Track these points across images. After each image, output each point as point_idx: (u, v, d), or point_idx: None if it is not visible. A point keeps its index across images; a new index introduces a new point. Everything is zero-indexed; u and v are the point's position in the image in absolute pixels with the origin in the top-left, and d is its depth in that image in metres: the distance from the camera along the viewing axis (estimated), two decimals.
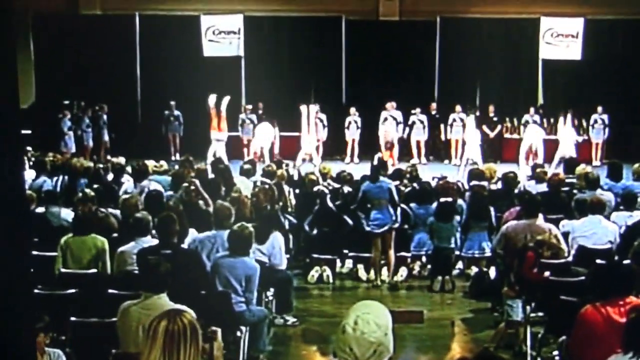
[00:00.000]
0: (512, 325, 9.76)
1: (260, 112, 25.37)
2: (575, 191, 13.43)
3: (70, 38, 26.09)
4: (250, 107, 25.27)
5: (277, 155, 22.58)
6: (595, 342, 6.34)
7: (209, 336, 4.60)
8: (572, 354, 6.87)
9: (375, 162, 13.69)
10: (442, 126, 25.12)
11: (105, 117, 25.15)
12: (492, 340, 9.97)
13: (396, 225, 12.76)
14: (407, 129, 24.95)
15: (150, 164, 15.37)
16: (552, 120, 24.78)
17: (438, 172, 18.74)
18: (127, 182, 14.20)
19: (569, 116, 23.41)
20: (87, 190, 12.09)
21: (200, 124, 24.99)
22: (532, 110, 24.63)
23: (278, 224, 11.39)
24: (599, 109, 24.40)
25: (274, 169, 15.53)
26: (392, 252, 12.88)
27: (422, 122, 24.99)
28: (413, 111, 24.97)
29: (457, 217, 12.83)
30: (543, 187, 13.72)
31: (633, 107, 24.84)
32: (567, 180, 14.42)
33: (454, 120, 24.56)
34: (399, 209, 12.80)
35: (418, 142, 25.17)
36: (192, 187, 12.36)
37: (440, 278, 12.68)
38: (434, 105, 25.41)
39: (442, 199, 13.08)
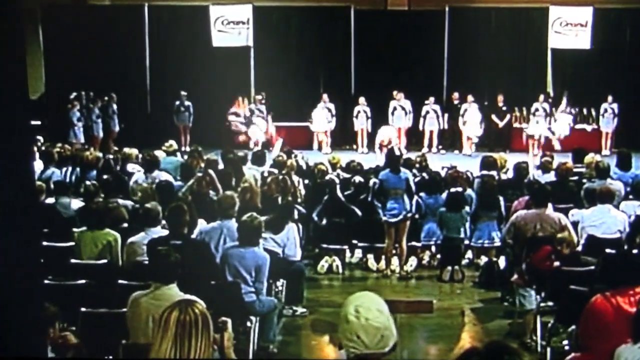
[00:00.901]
0: (526, 314, 9.74)
1: (264, 101, 25.30)
2: (584, 180, 13.40)
3: (79, 29, 26.03)
4: (259, 97, 25.23)
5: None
6: (605, 332, 6.34)
7: (220, 326, 4.61)
8: (581, 344, 6.87)
9: (397, 152, 13.63)
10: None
11: (114, 106, 25.18)
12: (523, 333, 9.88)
13: (410, 214, 12.77)
14: (421, 119, 24.97)
15: (160, 154, 15.42)
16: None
17: (448, 161, 18.74)
18: (138, 172, 14.25)
19: (564, 99, 23.85)
20: (89, 183, 12.16)
21: (209, 114, 25.07)
22: (541, 97, 24.42)
23: (293, 215, 11.41)
24: (609, 98, 24.33)
25: (284, 159, 15.55)
26: (404, 242, 12.86)
27: (435, 111, 24.94)
28: (427, 101, 24.95)
29: (467, 208, 12.81)
30: (550, 177, 13.69)
31: None
32: (576, 170, 14.39)
33: (466, 110, 24.46)
34: (414, 199, 12.80)
35: (431, 132, 25.14)
36: (207, 179, 12.44)
37: (449, 268, 12.68)
38: (456, 94, 25.20)
39: (453, 189, 13.06)
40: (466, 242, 12.95)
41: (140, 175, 13.76)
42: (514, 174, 14.18)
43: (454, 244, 12.76)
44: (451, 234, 12.70)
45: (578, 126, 24.69)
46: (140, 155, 15.92)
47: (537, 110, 23.95)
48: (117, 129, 25.31)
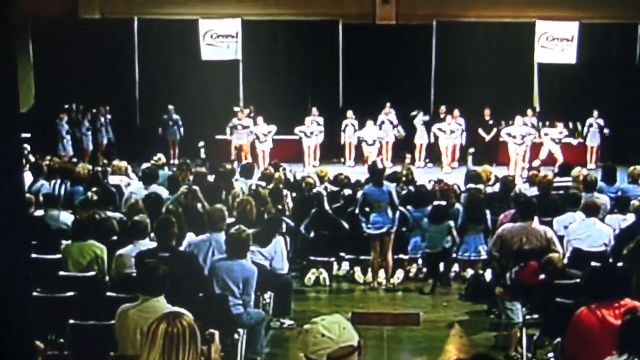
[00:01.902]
0: (513, 327, 9.76)
1: (252, 115, 25.20)
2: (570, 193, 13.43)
3: (70, 42, 26.07)
4: (247, 110, 25.20)
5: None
6: (590, 344, 6.40)
7: (207, 338, 4.63)
8: (567, 356, 6.92)
9: (380, 165, 13.67)
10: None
11: (102, 119, 25.19)
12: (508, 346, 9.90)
13: (394, 228, 12.80)
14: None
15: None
16: (547, 123, 24.85)
17: (434, 175, 18.78)
18: (130, 185, 14.29)
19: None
20: (90, 195, 12.15)
21: (198, 127, 25.08)
22: (529, 112, 24.58)
23: (281, 227, 11.45)
24: (595, 112, 24.39)
25: (272, 172, 15.58)
26: (390, 255, 12.91)
27: (424, 124, 24.96)
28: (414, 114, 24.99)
29: (451, 222, 12.81)
30: (535, 190, 13.72)
31: (627, 111, 24.89)
32: (563, 184, 14.41)
33: (450, 124, 24.40)
34: (397, 212, 12.84)
35: (421, 145, 25.14)
36: (190, 194, 12.46)
37: (431, 281, 12.74)
38: (442, 108, 25.00)
39: (436, 202, 13.11)
40: (453, 255, 12.99)
41: (138, 188, 13.74)
42: (501, 187, 14.21)
43: (435, 258, 12.82)
44: (431, 247, 12.75)
45: (564, 140, 24.73)
46: (129, 168, 15.94)
47: (524, 124, 23.98)
48: (106, 141, 25.32)
